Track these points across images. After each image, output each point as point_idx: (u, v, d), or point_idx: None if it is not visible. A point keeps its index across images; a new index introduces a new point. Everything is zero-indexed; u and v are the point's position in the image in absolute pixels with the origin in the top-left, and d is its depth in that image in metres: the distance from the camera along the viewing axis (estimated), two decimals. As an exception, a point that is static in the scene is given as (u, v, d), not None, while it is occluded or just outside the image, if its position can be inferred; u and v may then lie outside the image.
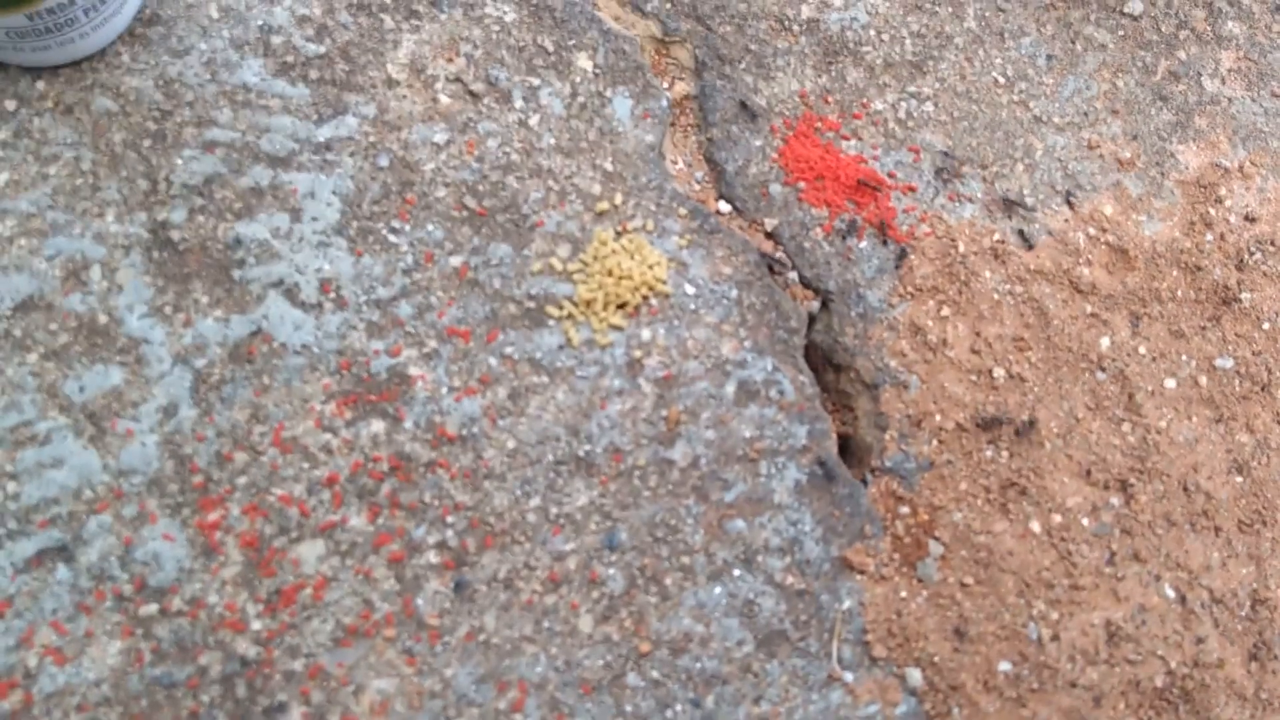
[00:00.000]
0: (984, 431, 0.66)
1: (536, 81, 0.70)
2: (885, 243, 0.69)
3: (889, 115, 0.73)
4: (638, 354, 0.65)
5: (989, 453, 0.66)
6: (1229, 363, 0.70)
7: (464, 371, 0.63)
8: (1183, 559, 0.66)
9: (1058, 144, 0.73)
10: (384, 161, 0.67)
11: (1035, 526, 0.65)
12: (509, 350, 0.64)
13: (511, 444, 0.63)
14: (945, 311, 0.68)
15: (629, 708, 0.59)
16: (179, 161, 0.65)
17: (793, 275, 0.69)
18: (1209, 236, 0.72)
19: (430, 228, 0.66)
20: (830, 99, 0.72)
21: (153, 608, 0.58)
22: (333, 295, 0.64)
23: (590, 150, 0.69)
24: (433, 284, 0.65)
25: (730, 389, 0.65)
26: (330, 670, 0.58)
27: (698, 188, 0.70)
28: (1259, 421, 0.69)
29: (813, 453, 0.64)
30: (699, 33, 0.73)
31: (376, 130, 0.67)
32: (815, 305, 0.68)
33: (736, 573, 0.62)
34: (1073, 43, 0.76)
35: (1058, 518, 0.65)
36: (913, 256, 0.69)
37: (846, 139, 0.72)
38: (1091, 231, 0.71)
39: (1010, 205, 0.70)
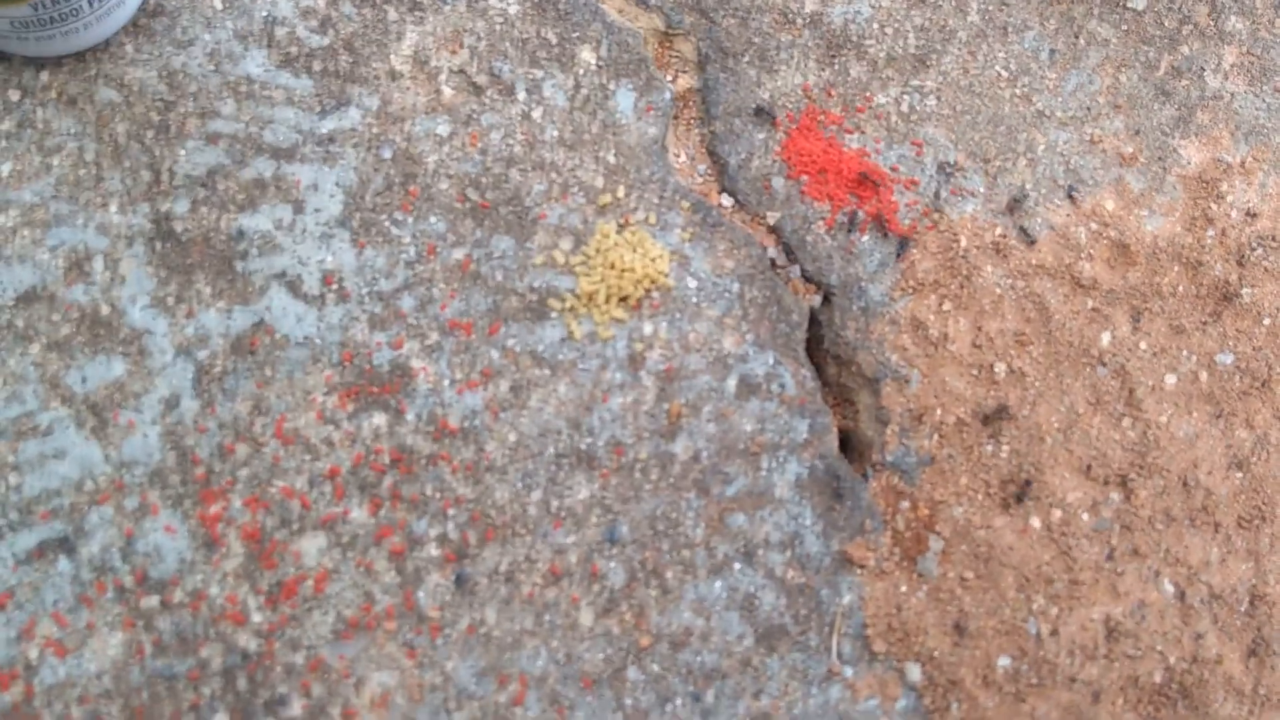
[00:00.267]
0: (985, 425, 0.66)
1: (540, 74, 0.70)
2: (886, 236, 0.69)
3: (891, 109, 0.73)
4: (639, 347, 0.65)
5: (989, 448, 0.66)
6: (1229, 359, 0.70)
7: (466, 364, 0.63)
8: (1182, 555, 0.66)
9: (1060, 139, 0.73)
10: (387, 154, 0.67)
11: (1035, 522, 0.65)
12: (511, 343, 0.64)
13: (513, 437, 0.63)
14: (946, 306, 0.68)
15: (629, 701, 0.60)
16: (182, 153, 0.65)
17: (794, 270, 0.69)
18: (1210, 232, 0.72)
19: (433, 220, 0.66)
20: (833, 93, 0.72)
21: (154, 600, 0.58)
22: (335, 288, 0.64)
23: (593, 143, 0.69)
24: (435, 277, 0.65)
25: (732, 383, 0.65)
26: (331, 663, 0.58)
27: (700, 181, 0.70)
28: (1259, 418, 0.69)
29: (814, 447, 0.65)
30: (702, 26, 0.73)
31: (380, 122, 0.67)
32: (817, 300, 0.68)
33: (737, 567, 0.62)
34: (1076, 38, 0.76)
35: (1058, 513, 0.65)
36: (914, 250, 0.69)
37: (849, 133, 0.72)
38: (1093, 227, 0.71)
39: (1015, 204, 0.70)
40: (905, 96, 0.73)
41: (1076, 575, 0.64)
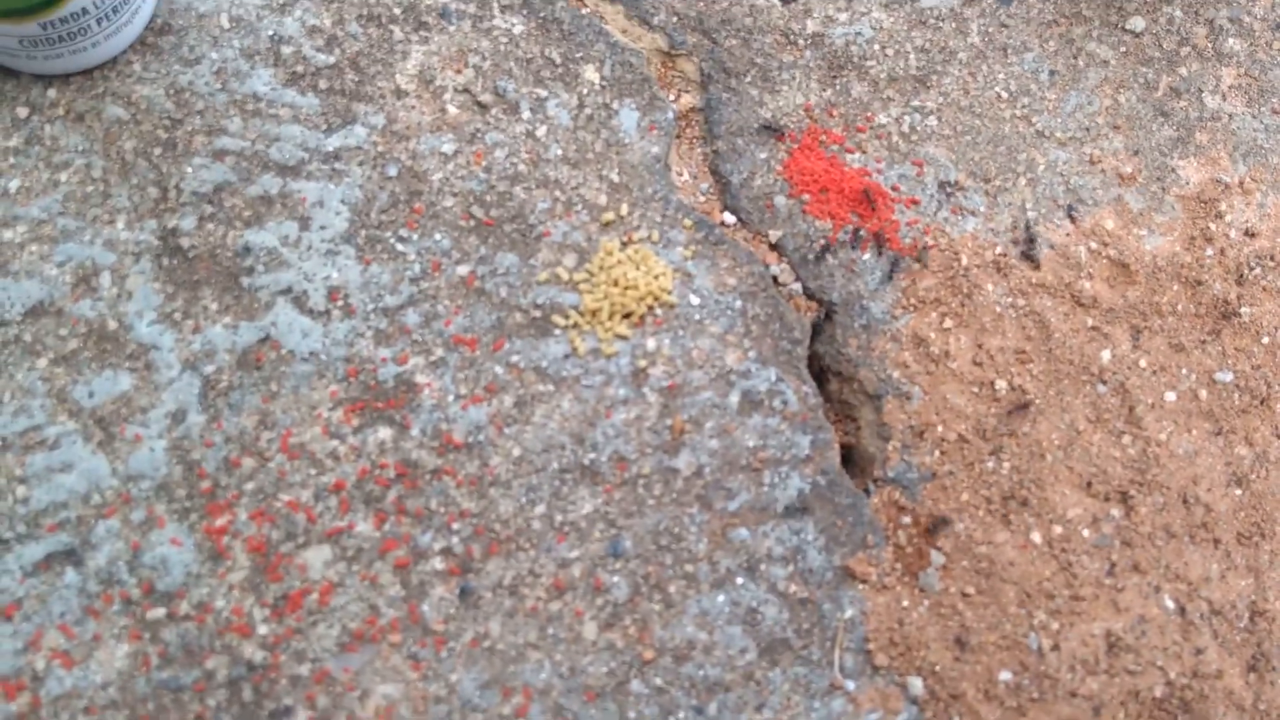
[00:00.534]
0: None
1: (544, 93, 0.70)
2: (884, 254, 0.70)
3: (893, 129, 0.73)
4: (643, 363, 0.65)
5: (990, 464, 0.66)
6: (1229, 376, 0.70)
7: (470, 380, 0.64)
8: (1182, 570, 0.66)
9: (1060, 159, 0.74)
10: (392, 171, 0.67)
11: (1036, 537, 0.65)
12: (515, 359, 0.65)
13: (517, 452, 0.63)
14: (948, 323, 0.69)
15: (632, 714, 0.60)
16: (189, 169, 0.66)
17: (796, 286, 0.69)
18: (1209, 251, 0.73)
19: (438, 237, 0.66)
20: (835, 112, 0.73)
21: (160, 612, 0.59)
22: (341, 303, 0.64)
23: (596, 161, 0.69)
24: (440, 293, 0.65)
25: (734, 399, 0.65)
26: (336, 675, 0.59)
27: (703, 199, 0.71)
28: (1258, 435, 0.70)
29: (816, 463, 0.65)
30: (705, 46, 0.74)
31: (385, 140, 0.68)
32: (819, 316, 0.69)
33: (740, 581, 0.62)
34: (1075, 58, 0.77)
35: (1058, 529, 0.65)
36: (908, 268, 0.70)
37: (850, 152, 0.72)
38: (1093, 245, 0.72)
39: (1028, 239, 0.71)
40: (906, 116, 0.74)
41: (1077, 590, 0.64)
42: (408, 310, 0.65)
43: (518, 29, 0.72)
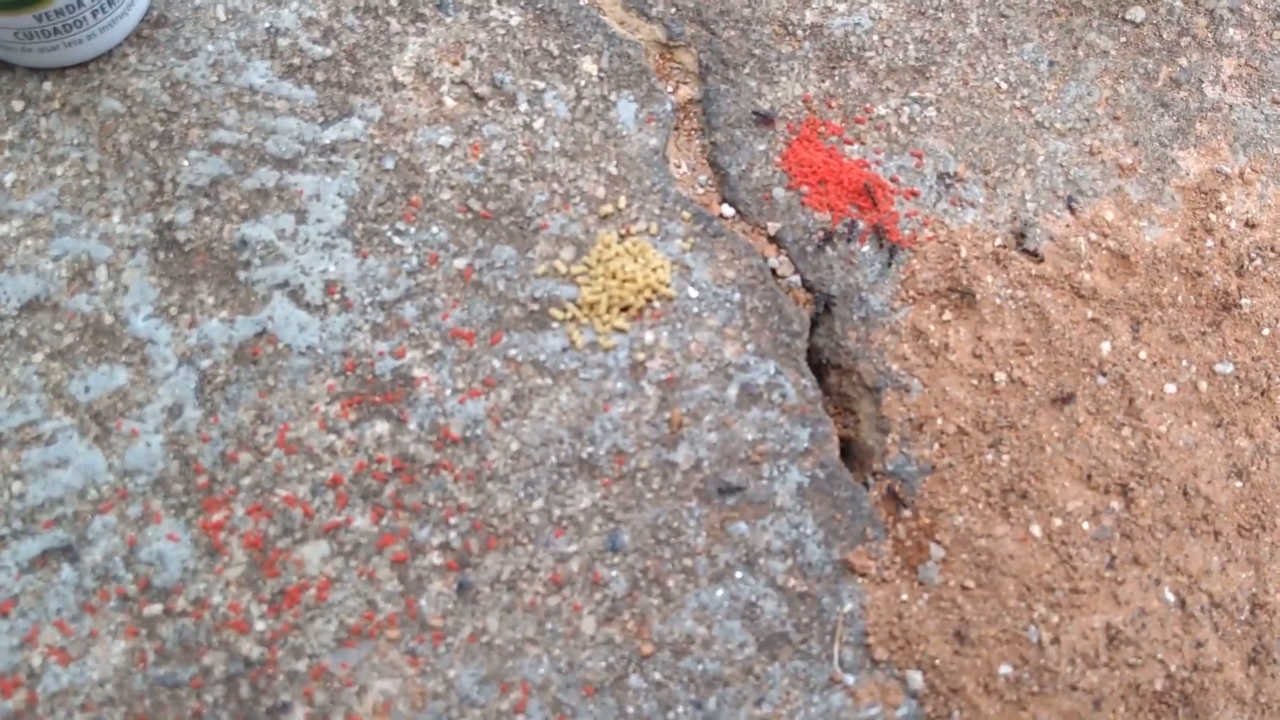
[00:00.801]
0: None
1: (541, 85, 0.70)
2: (882, 245, 0.70)
3: (892, 120, 0.73)
4: (641, 357, 0.65)
5: (990, 457, 0.66)
6: (1229, 368, 0.70)
7: (468, 373, 0.64)
8: (1182, 563, 0.66)
9: (1059, 149, 0.74)
10: (389, 164, 0.67)
11: (1036, 530, 0.65)
12: (513, 352, 0.64)
13: (515, 446, 0.63)
14: (947, 316, 0.68)
15: (631, 709, 0.60)
16: (185, 163, 0.65)
17: (795, 279, 0.69)
18: (1209, 242, 0.73)
19: (435, 230, 0.66)
20: (833, 103, 0.73)
21: (157, 608, 0.59)
22: (337, 297, 0.64)
23: (594, 154, 0.69)
24: (437, 286, 0.65)
25: (733, 392, 0.65)
26: (334, 671, 0.58)
27: (701, 191, 0.71)
28: (1258, 426, 0.69)
29: (815, 456, 0.65)
30: (703, 37, 0.73)
31: (382, 133, 0.67)
32: (818, 309, 0.69)
33: (738, 575, 0.62)
34: (1074, 49, 0.77)
35: (1058, 521, 0.65)
36: (914, 260, 0.69)
37: (849, 143, 0.72)
38: (1093, 237, 0.72)
39: (1021, 233, 0.71)
40: (905, 107, 0.73)
41: (1077, 583, 0.64)
42: (405, 304, 0.64)
43: (515, 20, 0.71)
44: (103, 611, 0.58)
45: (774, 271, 0.69)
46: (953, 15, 0.76)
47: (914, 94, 0.74)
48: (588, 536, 0.62)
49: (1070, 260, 0.71)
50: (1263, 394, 0.70)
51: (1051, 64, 0.76)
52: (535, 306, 0.65)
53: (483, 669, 0.59)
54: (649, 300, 0.66)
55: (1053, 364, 0.68)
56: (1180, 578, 0.66)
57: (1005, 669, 0.63)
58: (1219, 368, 0.70)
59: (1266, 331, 0.71)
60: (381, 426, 0.62)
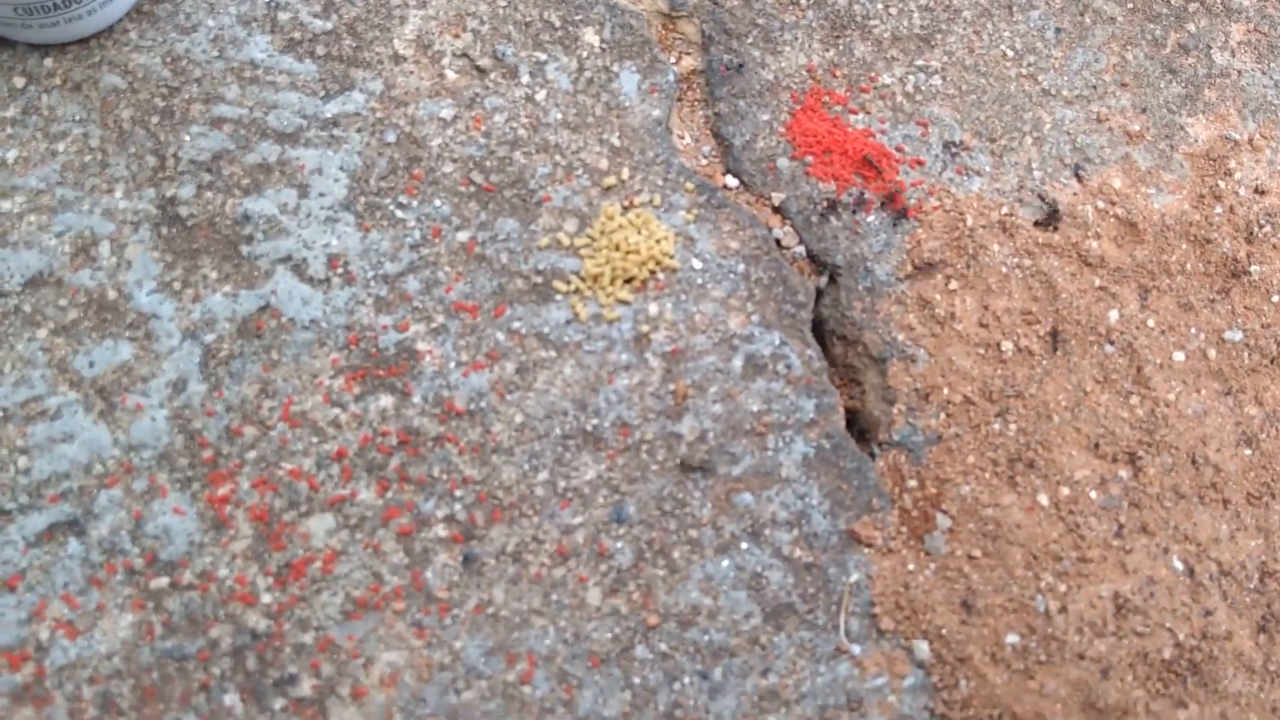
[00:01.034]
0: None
1: (543, 56, 0.70)
2: (891, 214, 0.69)
3: (897, 89, 0.73)
4: (645, 329, 0.65)
5: (997, 426, 0.66)
6: (1238, 335, 0.70)
7: (472, 346, 0.64)
8: (1191, 531, 0.65)
9: (1066, 117, 0.73)
10: (391, 137, 0.67)
11: (1043, 499, 0.65)
12: (516, 325, 0.64)
13: (519, 418, 0.63)
14: (953, 285, 0.68)
15: (637, 680, 0.60)
16: (187, 138, 0.65)
17: (799, 249, 0.69)
18: (1218, 209, 0.72)
19: (438, 203, 0.66)
20: (838, 73, 0.72)
21: (163, 581, 0.59)
22: (341, 271, 0.64)
23: (597, 125, 0.69)
24: (440, 259, 0.65)
25: (738, 363, 0.65)
26: (340, 643, 0.59)
27: (705, 162, 0.70)
28: (1268, 394, 0.69)
29: (820, 426, 0.64)
30: (706, 7, 0.73)
31: (383, 106, 0.67)
32: (823, 279, 0.68)
33: (744, 546, 0.62)
34: (1081, 15, 0.76)
35: (1066, 490, 0.65)
36: (920, 230, 0.69)
37: (854, 113, 0.72)
38: (1100, 205, 0.71)
39: (1044, 203, 0.71)
40: (910, 76, 0.73)
41: (1085, 552, 0.64)
42: (408, 277, 0.64)
43: (517, -8, 0.71)
44: (110, 585, 0.58)
45: (778, 242, 0.68)
46: (958, -17, 0.76)
47: (919, 62, 0.73)
48: (593, 508, 0.62)
49: (1078, 228, 0.70)
50: (1272, 361, 0.70)
51: (1058, 31, 0.75)
52: (539, 279, 0.65)
53: (489, 640, 0.59)
54: (653, 272, 0.66)
55: (1060, 333, 0.68)
56: (1189, 546, 0.65)
57: (1012, 638, 0.62)
58: (1228, 335, 0.70)
59: (1276, 298, 0.71)
60: (386, 400, 0.62)
